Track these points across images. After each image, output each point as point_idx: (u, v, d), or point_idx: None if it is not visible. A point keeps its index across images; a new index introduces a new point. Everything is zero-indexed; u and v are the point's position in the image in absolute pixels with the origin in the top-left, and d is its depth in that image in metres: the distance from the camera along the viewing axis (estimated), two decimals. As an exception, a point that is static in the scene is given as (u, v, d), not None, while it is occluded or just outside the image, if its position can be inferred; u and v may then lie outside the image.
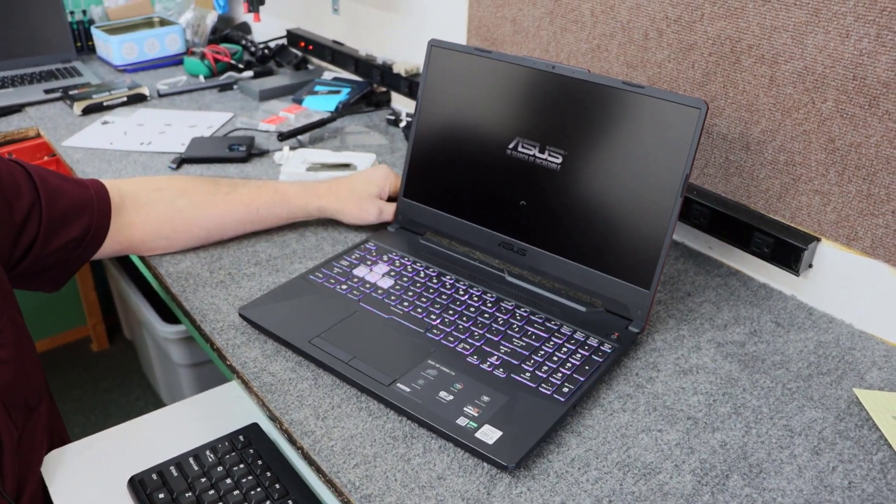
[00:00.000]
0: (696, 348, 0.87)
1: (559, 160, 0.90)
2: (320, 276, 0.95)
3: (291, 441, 0.75)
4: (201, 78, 1.69)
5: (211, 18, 1.84)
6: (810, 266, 0.94)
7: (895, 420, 0.77)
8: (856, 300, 0.91)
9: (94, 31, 1.82)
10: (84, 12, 1.90)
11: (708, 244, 1.06)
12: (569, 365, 0.80)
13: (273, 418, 0.77)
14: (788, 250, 0.93)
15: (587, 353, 0.82)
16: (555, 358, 0.81)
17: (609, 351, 0.83)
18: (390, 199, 1.09)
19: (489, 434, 0.71)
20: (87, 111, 1.51)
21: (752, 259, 1.00)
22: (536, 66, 0.91)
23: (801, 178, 0.92)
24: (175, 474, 0.81)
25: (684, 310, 0.94)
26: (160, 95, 1.61)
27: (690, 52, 0.99)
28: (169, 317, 1.70)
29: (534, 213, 0.93)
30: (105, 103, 1.53)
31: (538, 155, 0.92)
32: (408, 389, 0.77)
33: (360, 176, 1.09)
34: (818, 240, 0.93)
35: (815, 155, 0.90)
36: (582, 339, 0.84)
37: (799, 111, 0.90)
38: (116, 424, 0.93)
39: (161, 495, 0.79)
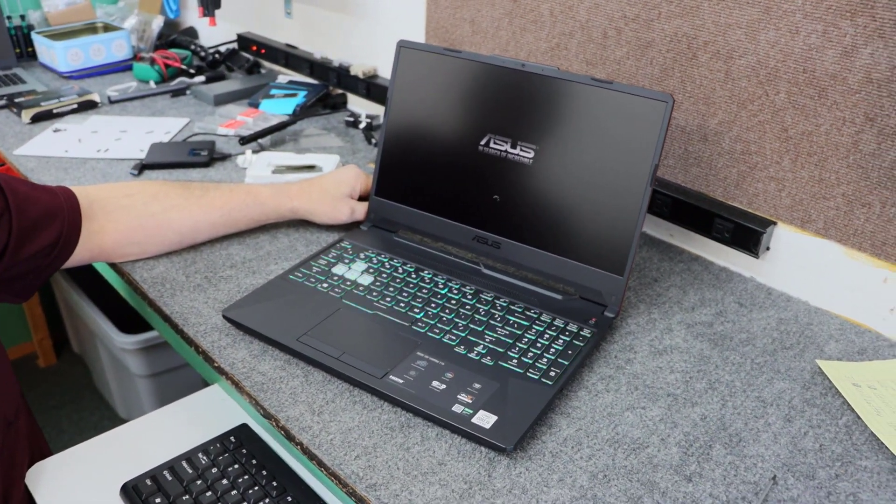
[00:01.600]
0: (668, 330, 0.92)
1: (531, 155, 0.93)
2: (300, 275, 0.97)
3: (289, 437, 0.76)
4: (152, 84, 1.67)
5: (157, 23, 1.82)
6: (768, 249, 1.00)
7: (855, 387, 0.83)
8: (811, 279, 0.97)
9: (36, 37, 1.78)
10: (22, 17, 1.85)
11: (669, 232, 1.11)
12: (552, 350, 0.84)
13: (268, 416, 0.78)
14: (748, 234, 0.98)
15: (569, 339, 0.86)
16: (538, 344, 0.85)
17: (589, 335, 0.87)
18: (361, 199, 1.11)
19: (485, 419, 0.74)
20: (37, 119, 1.48)
21: (711, 244, 1.05)
22: (506, 64, 0.94)
23: (756, 166, 0.98)
24: (169, 478, 0.81)
25: (653, 294, 0.99)
26: (111, 102, 1.58)
27: (648, 49, 1.03)
28: (126, 327, 1.68)
29: (507, 206, 0.96)
30: (55, 110, 1.50)
31: (510, 150, 0.95)
32: (401, 381, 0.79)
33: (331, 176, 1.11)
34: (774, 223, 0.98)
35: (769, 144, 0.95)
36: (562, 326, 0.88)
37: (753, 103, 0.95)
38: (71, 440, 0.92)
39: (158, 500, 0.79)
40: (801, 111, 0.91)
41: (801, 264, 0.97)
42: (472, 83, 0.97)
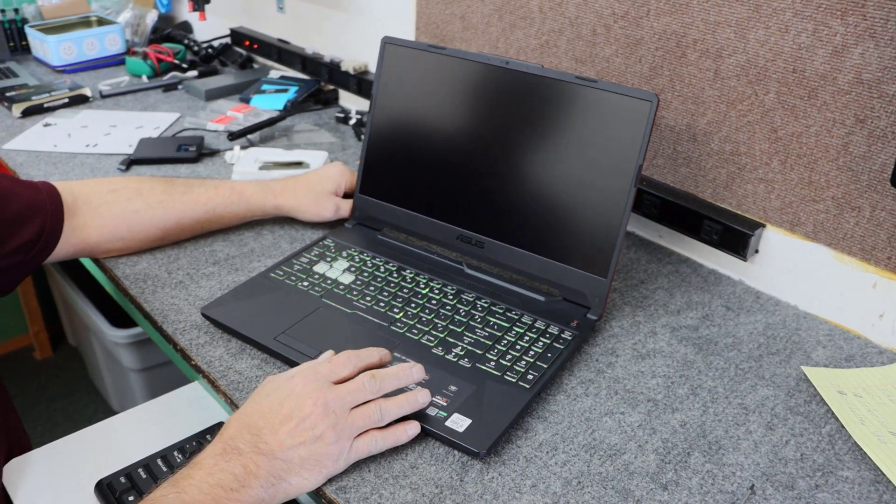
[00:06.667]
0: (652, 333, 0.90)
1: (515, 153, 0.92)
2: (281, 273, 0.96)
3: (262, 438, 0.75)
4: (144, 78, 1.66)
5: (151, 17, 1.81)
6: (756, 251, 0.98)
7: (840, 395, 0.81)
8: (800, 283, 0.95)
9: (29, 31, 1.77)
10: (16, 11, 1.84)
11: (658, 233, 1.09)
12: (532, 353, 0.83)
13: (242, 416, 0.77)
14: (736, 237, 0.97)
15: (549, 341, 0.84)
16: (518, 347, 0.83)
17: (569, 338, 0.85)
18: (346, 196, 1.10)
19: (459, 422, 0.73)
20: (27, 113, 1.47)
21: (701, 246, 1.04)
22: (490, 61, 0.93)
23: (746, 167, 0.96)
24: (144, 476, 0.81)
25: (638, 297, 0.97)
26: (103, 96, 1.57)
27: (637, 46, 1.02)
28: (118, 321, 1.67)
29: (491, 205, 0.94)
30: (46, 105, 1.49)
31: (494, 148, 0.93)
32: (376, 382, 0.78)
33: (317, 173, 1.09)
34: (763, 226, 0.97)
35: (758, 145, 0.94)
36: (543, 328, 0.87)
37: (743, 103, 0.94)
38: (65, 433, 0.91)
39: (130, 498, 0.78)
40: (791, 112, 0.90)
41: (790, 268, 0.96)
42: (456, 80, 0.96)
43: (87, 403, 2.09)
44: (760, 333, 0.91)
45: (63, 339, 2.32)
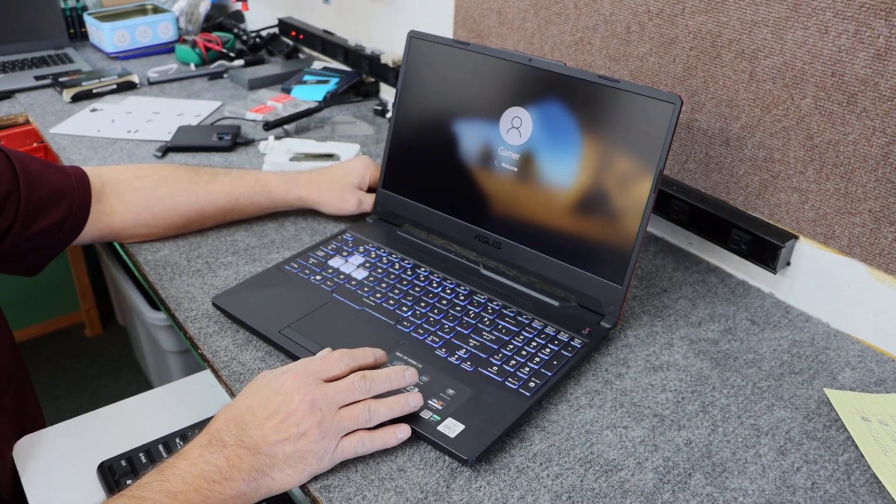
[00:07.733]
0: (669, 345, 0.87)
1: (535, 153, 0.89)
2: (295, 266, 0.95)
3: (256, 431, 0.74)
4: (192, 66, 1.69)
5: (204, 6, 1.83)
6: (788, 264, 0.93)
7: (863, 421, 0.76)
8: (833, 299, 0.90)
9: (87, 18, 1.82)
10: (77, -1, 1.90)
11: (688, 240, 1.05)
12: (537, 359, 0.80)
13: (239, 408, 0.77)
14: (766, 248, 0.92)
15: (557, 348, 0.82)
16: (523, 352, 0.81)
17: (579, 346, 0.82)
18: (370, 190, 1.09)
19: (452, 427, 0.71)
20: (77, 98, 1.51)
21: (731, 255, 0.99)
22: (514, 58, 0.90)
23: (779, 174, 0.91)
24: (144, 461, 0.82)
25: (659, 306, 0.94)
26: (150, 83, 1.60)
27: (672, 46, 0.98)
28: (156, 303, 1.70)
29: (509, 206, 0.92)
30: (94, 90, 1.53)
31: (514, 148, 0.91)
32: (374, 381, 0.76)
33: (341, 166, 1.09)
34: (796, 237, 0.92)
35: (793, 152, 0.89)
36: (552, 334, 0.84)
37: (778, 107, 0.89)
38: None
39: (129, 481, 0.79)
40: (828, 118, 0.85)
41: (823, 283, 0.91)
42: (480, 76, 0.94)
43: (129, 381, 2.15)
44: (785, 351, 0.86)
45: (113, 319, 2.38)
